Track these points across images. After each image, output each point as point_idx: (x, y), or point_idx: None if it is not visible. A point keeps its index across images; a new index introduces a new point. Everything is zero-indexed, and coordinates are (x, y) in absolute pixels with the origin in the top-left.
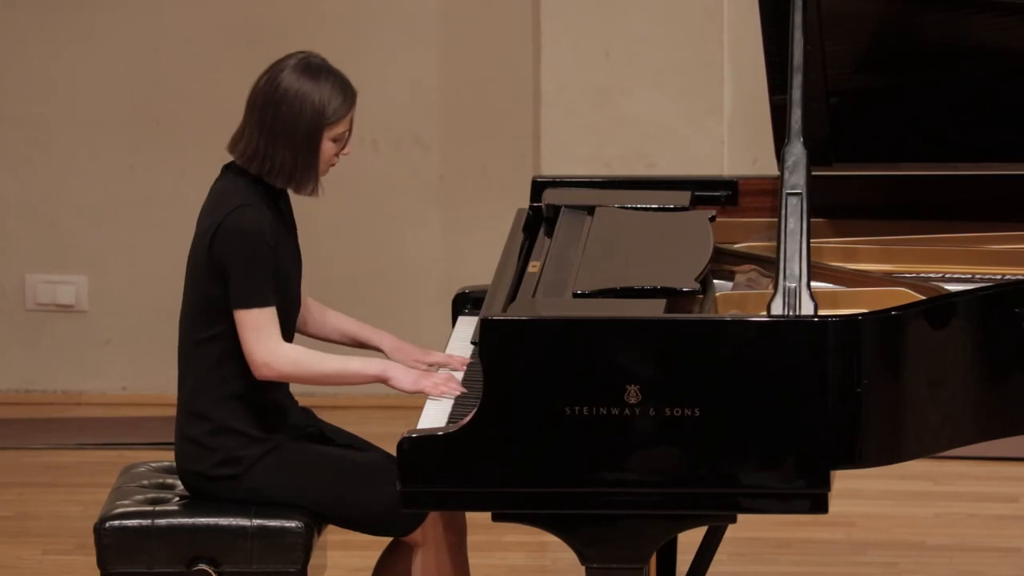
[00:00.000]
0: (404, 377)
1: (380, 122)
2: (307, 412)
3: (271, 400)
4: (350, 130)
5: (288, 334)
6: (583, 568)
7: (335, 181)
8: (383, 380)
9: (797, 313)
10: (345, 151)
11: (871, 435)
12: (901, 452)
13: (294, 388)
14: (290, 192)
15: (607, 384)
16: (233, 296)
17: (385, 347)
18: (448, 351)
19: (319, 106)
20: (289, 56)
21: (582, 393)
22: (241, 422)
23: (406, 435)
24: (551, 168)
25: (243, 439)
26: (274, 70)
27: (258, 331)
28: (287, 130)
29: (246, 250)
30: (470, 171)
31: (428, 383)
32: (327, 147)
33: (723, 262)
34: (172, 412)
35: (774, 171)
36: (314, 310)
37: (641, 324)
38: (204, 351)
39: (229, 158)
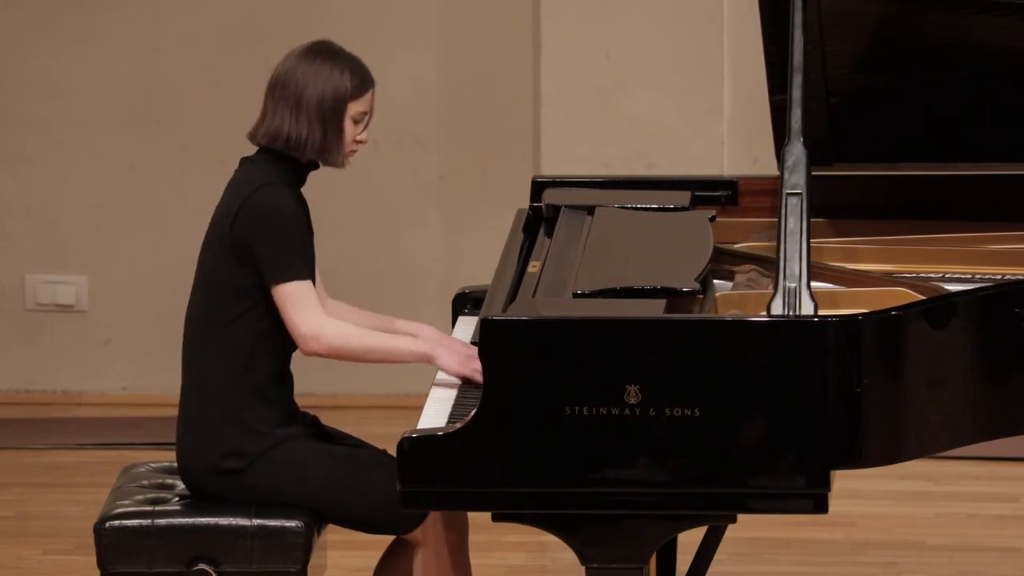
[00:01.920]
0: (450, 359)
1: (380, 122)
2: (306, 415)
3: (280, 396)
4: (371, 114)
5: None
6: (583, 568)
7: (336, 181)
8: (429, 359)
9: (797, 313)
10: (364, 138)
11: (871, 435)
12: (901, 452)
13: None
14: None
15: (607, 384)
16: (268, 271)
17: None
18: None
19: (341, 79)
20: (304, 44)
21: (582, 393)
22: (248, 413)
23: (406, 435)
24: (551, 168)
25: (249, 432)
26: (291, 53)
27: (301, 303)
28: (311, 101)
29: (274, 224)
30: (470, 171)
31: (471, 369)
32: (348, 126)
33: (723, 262)
34: (172, 412)
35: (774, 171)
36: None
37: (641, 324)
38: (220, 339)
39: (229, 157)
